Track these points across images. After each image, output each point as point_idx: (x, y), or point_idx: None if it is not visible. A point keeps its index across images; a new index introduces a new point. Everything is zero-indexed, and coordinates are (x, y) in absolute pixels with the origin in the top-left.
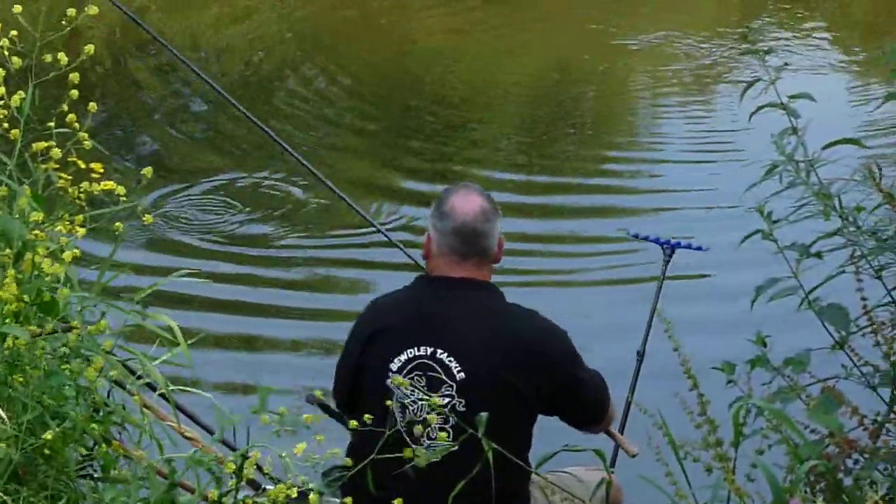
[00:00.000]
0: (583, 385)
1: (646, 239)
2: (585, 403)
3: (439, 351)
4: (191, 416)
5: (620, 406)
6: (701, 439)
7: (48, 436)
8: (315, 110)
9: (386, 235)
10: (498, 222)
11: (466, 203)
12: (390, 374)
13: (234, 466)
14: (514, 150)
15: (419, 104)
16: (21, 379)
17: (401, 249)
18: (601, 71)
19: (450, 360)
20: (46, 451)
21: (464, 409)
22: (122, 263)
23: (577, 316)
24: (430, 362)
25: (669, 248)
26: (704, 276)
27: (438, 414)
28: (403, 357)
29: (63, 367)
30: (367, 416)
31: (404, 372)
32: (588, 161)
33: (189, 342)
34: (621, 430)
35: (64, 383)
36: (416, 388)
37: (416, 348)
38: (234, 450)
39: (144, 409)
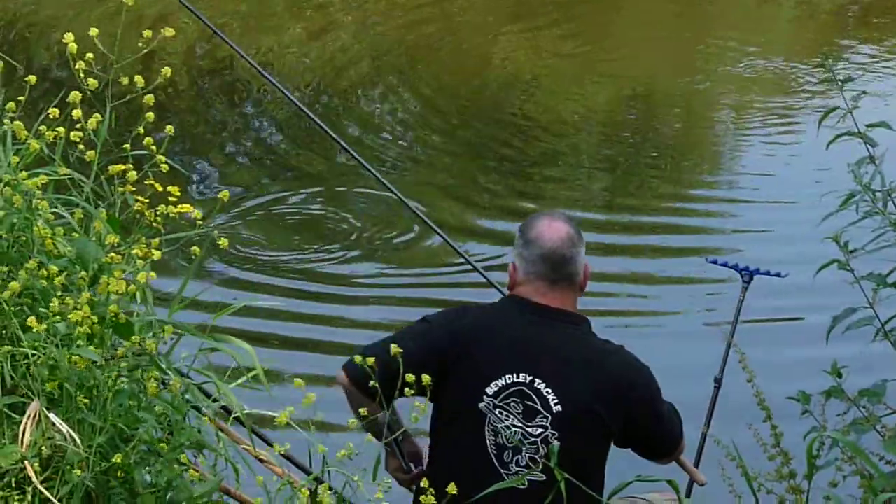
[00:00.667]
0: (661, 420)
1: (724, 265)
2: (662, 437)
3: (538, 381)
4: (266, 441)
5: (694, 437)
6: (774, 471)
7: (117, 458)
8: (389, 139)
9: (482, 274)
10: (583, 249)
11: (553, 229)
12: (486, 396)
13: (307, 493)
14: (594, 186)
15: (495, 134)
16: (87, 401)
17: (496, 289)
18: (682, 99)
19: (547, 392)
20: (119, 474)
21: (556, 441)
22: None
23: (657, 354)
24: (529, 391)
25: (748, 274)
26: (790, 318)
27: (531, 444)
28: (501, 382)
29: (135, 389)
30: (454, 430)
31: (501, 397)
32: (668, 198)
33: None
34: (696, 462)
35: (137, 405)
36: (511, 414)
37: (515, 374)
38: (308, 473)
39: (219, 433)
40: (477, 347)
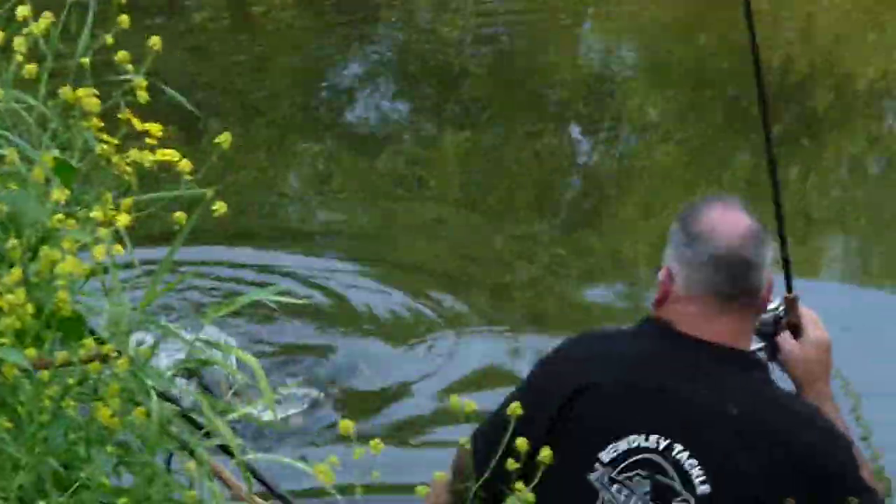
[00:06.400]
0: None
1: None
2: None
3: (678, 448)
4: (269, 486)
5: None
6: None
7: None
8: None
9: None
10: (770, 252)
11: (728, 221)
12: (599, 465)
13: None
14: None
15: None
16: (10, 425)
17: None
18: None
19: (691, 464)
20: None
21: None
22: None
23: None
24: (661, 461)
25: None
26: None
27: None
28: (624, 445)
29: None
30: None
31: (621, 467)
32: None
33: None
34: None
35: (84, 437)
36: (634, 493)
37: (644, 436)
38: None
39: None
40: (588, 396)
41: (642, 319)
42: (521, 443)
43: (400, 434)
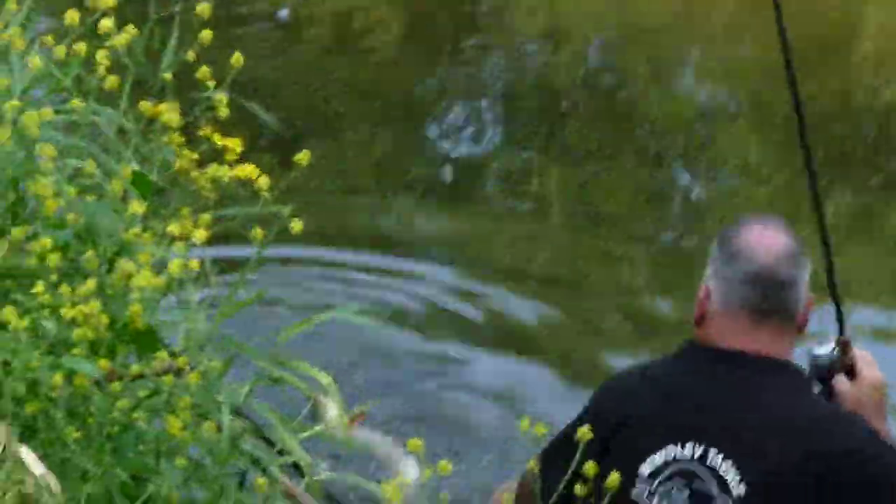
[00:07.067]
0: None
1: None
2: None
3: (712, 452)
4: None
5: None
6: None
7: None
8: None
9: None
10: (808, 272)
11: (765, 240)
12: (639, 480)
13: None
14: None
15: None
16: (79, 435)
17: None
18: None
19: (727, 468)
20: None
21: None
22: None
23: None
24: (697, 469)
25: None
26: None
27: None
28: (661, 458)
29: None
30: None
31: (660, 478)
32: None
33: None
34: None
35: (155, 449)
36: (672, 502)
37: (680, 445)
38: None
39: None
40: (635, 416)
41: (683, 342)
42: (591, 467)
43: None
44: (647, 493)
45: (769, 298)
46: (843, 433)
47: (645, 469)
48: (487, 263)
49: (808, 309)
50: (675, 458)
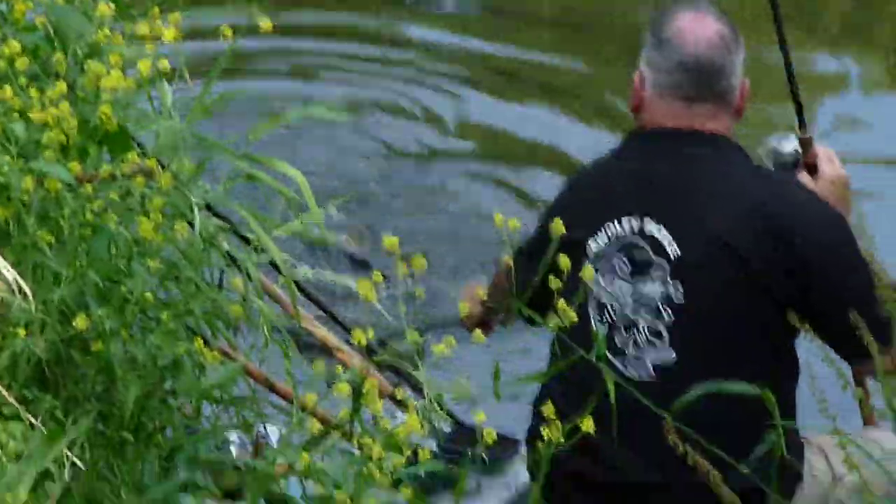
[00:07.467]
0: (855, 270)
1: None
2: (857, 302)
3: (647, 221)
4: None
5: None
6: None
7: (81, 323)
8: None
9: None
10: (741, 57)
11: (698, 27)
12: (587, 260)
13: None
14: None
15: None
16: (51, 239)
17: None
18: None
19: (662, 234)
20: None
21: (682, 299)
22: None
23: None
24: (635, 240)
25: None
26: None
27: (648, 311)
28: (602, 237)
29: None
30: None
31: (604, 258)
32: None
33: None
34: None
35: (127, 251)
36: (616, 276)
37: (615, 222)
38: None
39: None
40: (574, 213)
41: (625, 136)
42: (565, 261)
43: None
44: (596, 273)
45: (700, 85)
46: (779, 191)
47: (590, 251)
48: None
49: (743, 93)
50: (616, 236)
